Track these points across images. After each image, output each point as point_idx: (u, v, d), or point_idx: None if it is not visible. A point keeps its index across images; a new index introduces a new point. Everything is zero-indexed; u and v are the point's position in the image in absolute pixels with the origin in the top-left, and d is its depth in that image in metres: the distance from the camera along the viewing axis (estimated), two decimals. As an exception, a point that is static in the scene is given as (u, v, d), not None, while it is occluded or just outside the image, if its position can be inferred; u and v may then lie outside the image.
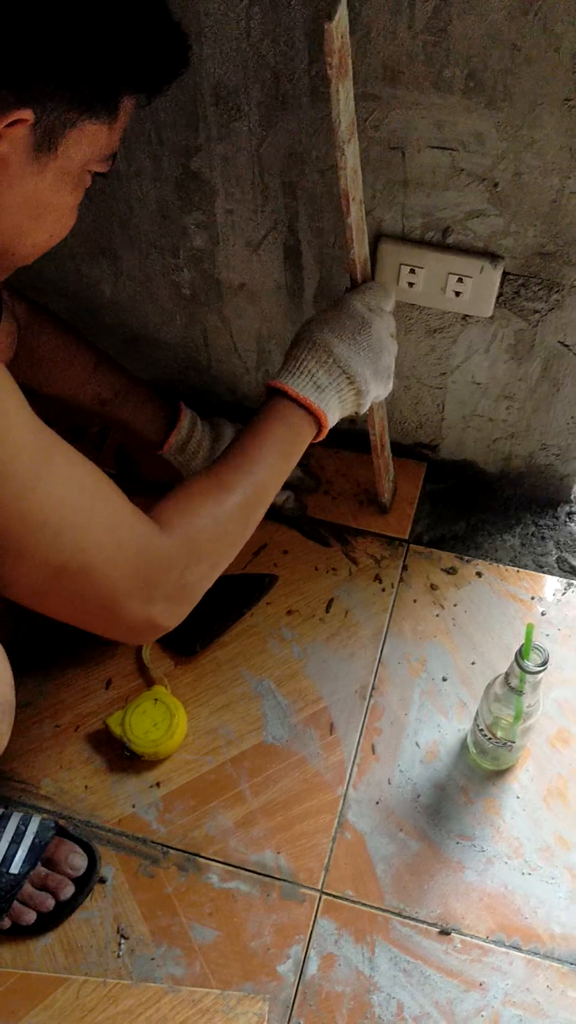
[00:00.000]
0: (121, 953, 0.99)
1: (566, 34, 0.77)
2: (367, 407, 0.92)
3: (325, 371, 0.86)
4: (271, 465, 0.85)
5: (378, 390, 0.92)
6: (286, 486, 1.24)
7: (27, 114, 0.64)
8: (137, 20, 0.67)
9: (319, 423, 0.87)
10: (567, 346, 1.05)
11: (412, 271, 1.00)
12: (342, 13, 0.68)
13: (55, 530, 0.69)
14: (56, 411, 0.72)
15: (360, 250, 0.89)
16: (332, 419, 0.88)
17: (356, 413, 0.92)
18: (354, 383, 0.88)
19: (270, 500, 0.86)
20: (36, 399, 0.71)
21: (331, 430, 1.30)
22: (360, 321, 0.88)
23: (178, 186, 1.01)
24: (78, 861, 1.01)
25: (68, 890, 1.00)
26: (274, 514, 1.26)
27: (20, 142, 0.66)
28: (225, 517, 0.81)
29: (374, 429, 1.09)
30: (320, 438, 0.89)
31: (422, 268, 1.00)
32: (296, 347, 0.88)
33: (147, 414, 1.12)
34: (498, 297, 1.01)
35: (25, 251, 0.75)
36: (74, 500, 0.70)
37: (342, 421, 1.27)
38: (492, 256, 0.97)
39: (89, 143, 0.69)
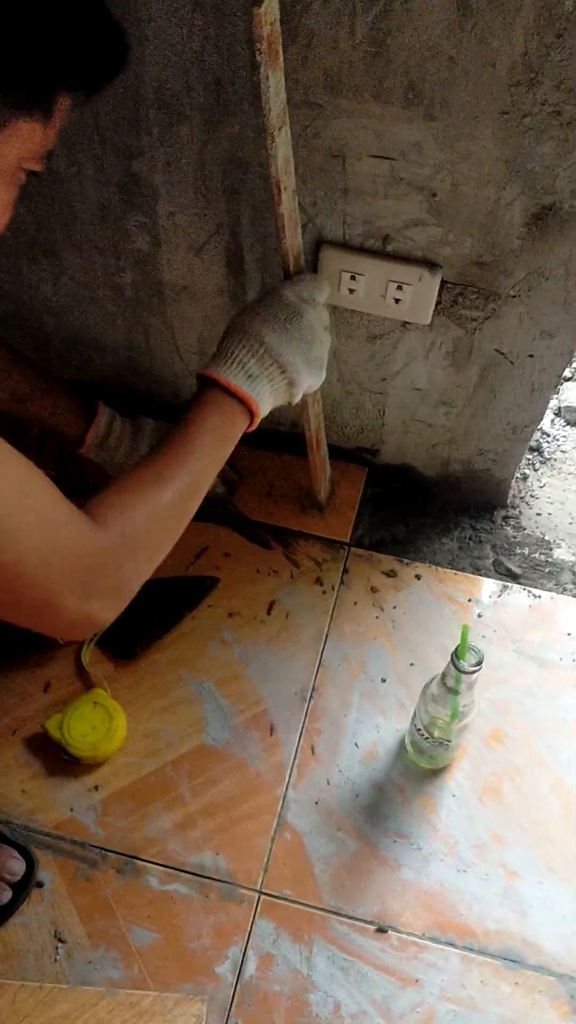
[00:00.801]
0: (58, 957, 0.98)
1: (502, 49, 0.79)
2: (299, 397, 0.93)
3: (256, 360, 0.87)
4: (205, 456, 0.85)
5: (310, 380, 0.92)
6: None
7: None
8: (72, 19, 0.66)
9: (251, 412, 0.88)
10: (503, 354, 1.07)
11: (353, 278, 1.02)
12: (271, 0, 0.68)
13: None
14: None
15: (292, 240, 0.89)
16: (264, 408, 0.89)
17: (289, 403, 0.93)
18: (286, 372, 0.89)
19: (205, 491, 0.87)
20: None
21: (271, 434, 1.31)
22: (292, 311, 0.89)
23: (120, 188, 1.01)
24: (15, 866, 1.01)
25: (5, 895, 0.99)
26: (215, 517, 1.27)
27: None
28: (160, 510, 0.81)
29: (309, 426, 1.10)
30: (252, 428, 0.89)
31: (363, 275, 1.01)
32: (228, 336, 0.88)
33: (65, 411, 1.12)
34: (437, 305, 1.03)
35: None
36: (9, 499, 0.70)
37: (283, 423, 1.28)
38: (431, 265, 0.99)
39: (23, 142, 0.68)
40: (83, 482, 1.28)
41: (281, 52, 0.73)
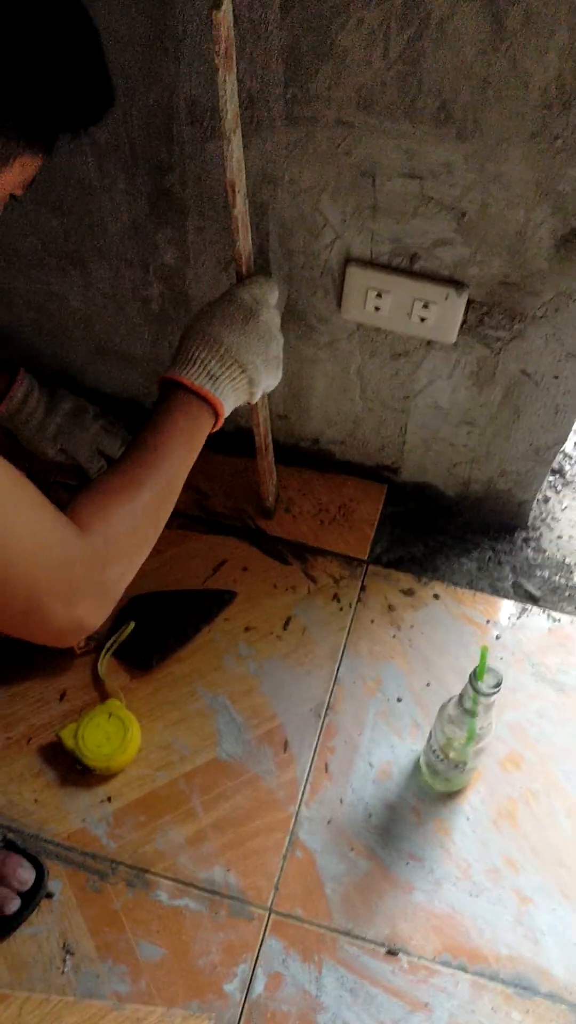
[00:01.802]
0: (66, 969, 0.97)
1: (535, 71, 0.79)
2: (259, 396, 0.95)
3: (217, 361, 0.89)
4: (177, 457, 0.87)
5: (269, 378, 0.95)
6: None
7: None
8: (83, 73, 0.71)
9: (216, 412, 0.90)
10: (528, 374, 1.07)
11: (379, 295, 1.02)
12: (228, 2, 0.72)
13: None
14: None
15: (244, 243, 0.91)
16: (227, 408, 0.91)
17: (248, 402, 0.95)
18: (246, 371, 0.91)
19: (179, 491, 0.88)
20: None
21: (291, 449, 1.31)
22: (248, 312, 0.91)
23: (150, 202, 1.02)
24: (25, 875, 1.00)
25: (14, 904, 0.99)
26: (234, 531, 1.27)
27: None
28: (140, 513, 0.83)
29: (259, 430, 1.11)
30: (217, 427, 0.91)
31: (388, 293, 1.01)
32: (187, 339, 0.90)
33: None
34: (462, 324, 1.03)
35: None
36: (2, 500, 0.71)
37: (305, 439, 1.28)
38: (457, 284, 0.99)
39: (21, 171, 0.72)
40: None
41: (235, 55, 0.77)
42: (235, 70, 0.78)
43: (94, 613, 0.80)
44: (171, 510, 0.88)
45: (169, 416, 0.87)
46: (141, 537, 0.84)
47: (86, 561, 0.78)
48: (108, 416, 1.27)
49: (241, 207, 0.87)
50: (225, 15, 0.72)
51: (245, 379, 0.91)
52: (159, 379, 0.90)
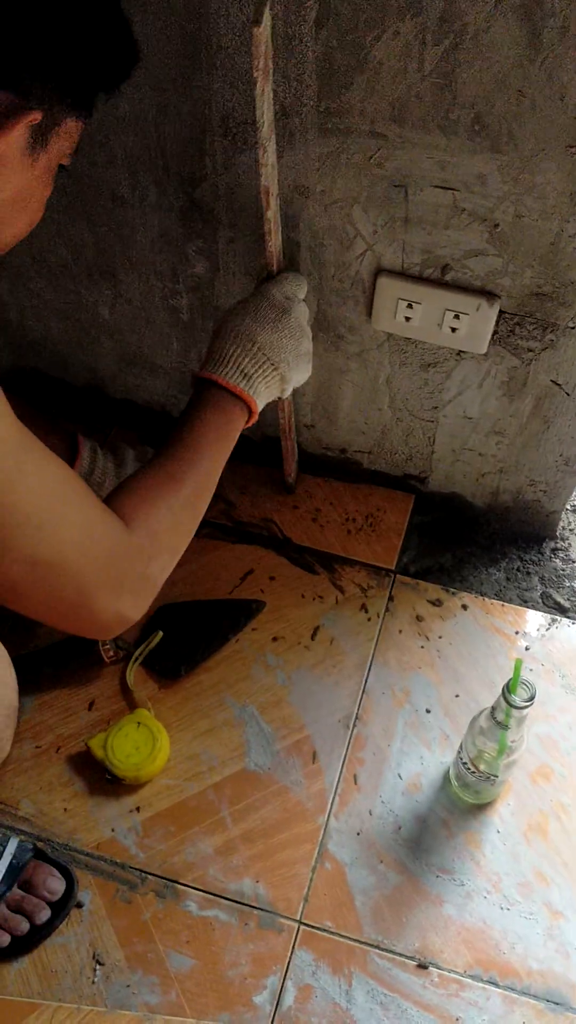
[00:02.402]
0: (96, 979, 0.97)
1: (572, 82, 0.78)
2: (290, 391, 0.96)
3: (250, 359, 0.90)
4: (212, 453, 0.88)
5: (299, 374, 0.96)
6: None
7: (37, 116, 0.68)
8: (115, 26, 0.73)
9: (249, 409, 0.91)
10: (559, 385, 1.06)
11: (410, 306, 1.02)
12: (267, 18, 0.73)
13: (37, 523, 0.70)
14: None
15: (276, 242, 0.93)
16: (260, 404, 0.92)
17: (280, 397, 0.97)
18: (278, 369, 0.92)
19: (214, 487, 0.90)
20: None
21: (318, 458, 1.31)
22: (280, 309, 0.93)
23: (181, 214, 1.02)
24: (55, 885, 1.01)
25: (44, 914, 0.99)
26: (261, 540, 1.27)
27: (18, 140, 0.69)
28: (179, 508, 0.85)
29: (283, 413, 1.13)
30: (251, 423, 0.93)
31: (420, 303, 1.01)
32: (220, 338, 0.92)
33: (50, 444, 1.13)
34: (493, 335, 1.03)
35: (6, 241, 0.77)
36: (54, 494, 0.72)
37: (332, 448, 1.28)
38: (489, 295, 0.99)
39: (67, 138, 0.73)
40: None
41: (271, 66, 0.78)
42: (271, 82, 0.79)
43: (137, 606, 0.82)
44: (207, 506, 0.89)
45: (205, 414, 0.89)
46: (182, 531, 0.86)
47: (133, 555, 0.80)
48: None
49: (274, 209, 0.90)
50: (264, 30, 0.73)
51: (277, 376, 0.93)
52: (193, 376, 0.91)
